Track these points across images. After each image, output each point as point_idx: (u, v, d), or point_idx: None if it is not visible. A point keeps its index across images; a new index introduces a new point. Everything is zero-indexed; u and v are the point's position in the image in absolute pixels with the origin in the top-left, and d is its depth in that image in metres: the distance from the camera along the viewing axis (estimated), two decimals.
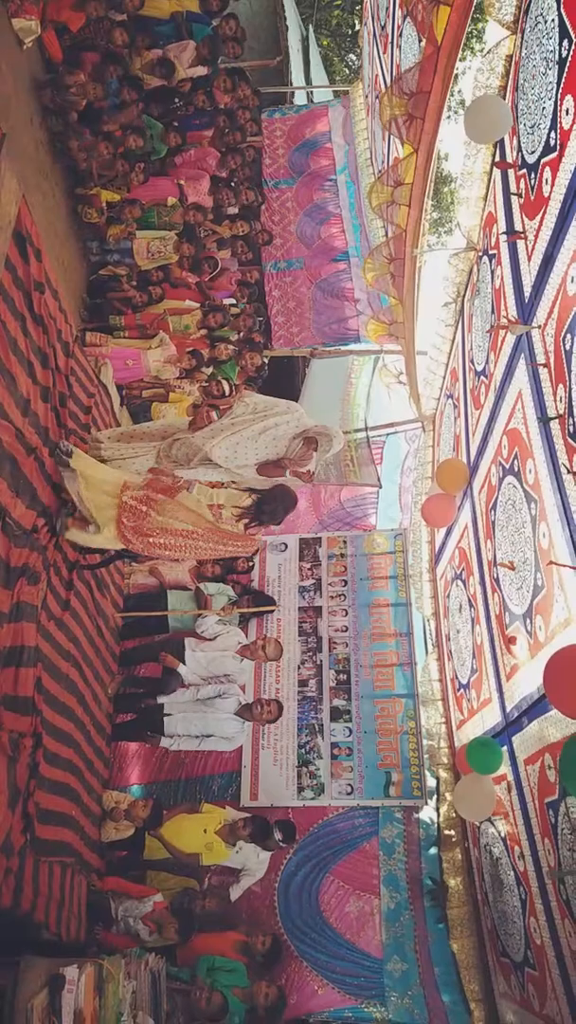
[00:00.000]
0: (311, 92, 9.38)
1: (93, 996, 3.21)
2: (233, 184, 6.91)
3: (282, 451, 4.41)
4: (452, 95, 4.73)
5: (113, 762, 5.12)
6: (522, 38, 3.37)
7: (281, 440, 4.40)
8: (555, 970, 3.33)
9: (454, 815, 4.94)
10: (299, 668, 6.07)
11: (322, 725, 5.81)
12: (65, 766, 4.10)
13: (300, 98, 9.11)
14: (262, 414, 4.39)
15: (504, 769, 3.88)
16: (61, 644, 4.18)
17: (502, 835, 4.08)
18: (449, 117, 4.72)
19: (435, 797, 5.34)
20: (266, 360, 6.81)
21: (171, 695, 5.15)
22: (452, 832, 5.00)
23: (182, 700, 5.18)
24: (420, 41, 4.44)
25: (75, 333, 5.29)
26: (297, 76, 9.35)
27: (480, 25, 8.71)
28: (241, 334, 6.77)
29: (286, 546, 6.65)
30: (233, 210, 6.90)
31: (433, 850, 5.14)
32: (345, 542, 6.71)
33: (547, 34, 2.98)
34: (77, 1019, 2.96)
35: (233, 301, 6.96)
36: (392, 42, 5.52)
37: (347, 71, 12.73)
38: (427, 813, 5.38)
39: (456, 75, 4.23)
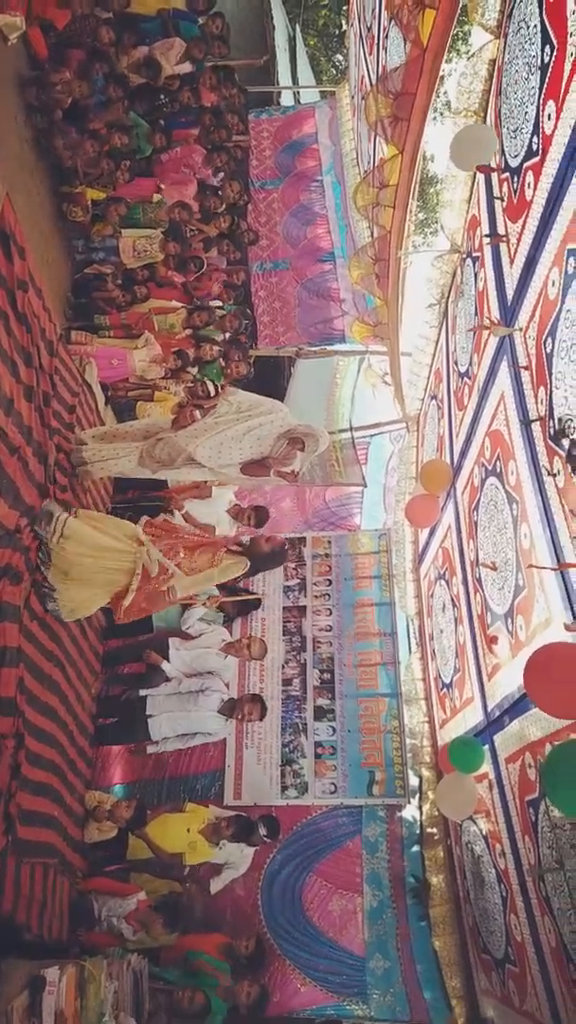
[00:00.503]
0: (298, 92, 9.39)
1: (74, 997, 3.20)
2: (219, 190, 6.89)
3: (266, 451, 4.41)
4: (438, 96, 4.75)
5: (96, 762, 5.10)
6: (505, 42, 3.40)
7: (265, 440, 4.40)
8: (535, 967, 3.36)
9: (436, 813, 4.97)
10: (283, 667, 6.08)
11: (306, 724, 5.83)
12: (47, 767, 4.08)
13: (287, 98, 9.12)
14: (246, 413, 4.41)
15: (486, 768, 3.91)
16: (43, 644, 4.17)
17: (484, 833, 4.12)
18: (435, 119, 4.73)
19: (418, 796, 5.37)
20: (251, 361, 6.81)
21: (154, 688, 5.15)
22: (434, 830, 5.03)
23: (164, 693, 5.17)
24: (405, 43, 4.46)
25: (59, 332, 5.27)
26: (284, 76, 9.36)
27: (466, 27, 8.74)
28: (227, 335, 6.77)
29: None
30: (220, 207, 6.88)
31: (416, 848, 5.17)
32: (330, 542, 6.73)
33: (529, 39, 3.00)
34: (58, 1020, 2.96)
35: (219, 303, 6.95)
36: (378, 44, 5.54)
37: (334, 71, 12.76)
38: (410, 812, 5.41)
39: (442, 76, 4.26)
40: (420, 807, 5.28)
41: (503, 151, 3.43)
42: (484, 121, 3.75)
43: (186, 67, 6.39)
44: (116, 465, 4.68)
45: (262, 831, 4.78)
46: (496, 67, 3.57)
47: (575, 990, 2.95)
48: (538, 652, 2.44)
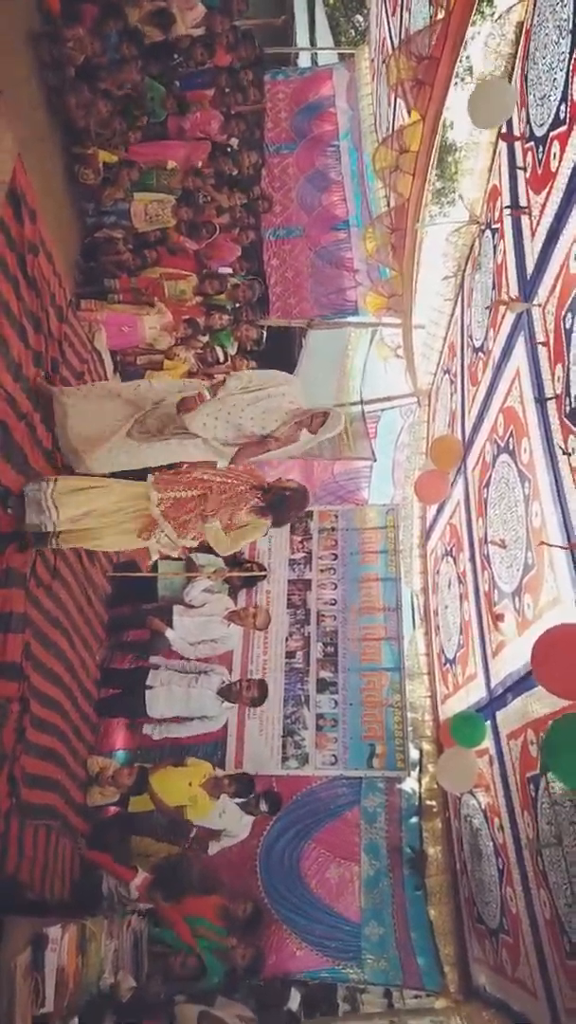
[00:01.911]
0: (316, 54, 9.15)
1: (75, 955, 3.27)
2: (231, 150, 6.74)
3: (270, 426, 4.12)
4: (461, 61, 4.61)
5: (99, 728, 5.15)
6: (534, 4, 3.28)
7: (271, 414, 4.12)
8: (528, 937, 3.41)
9: (436, 786, 5.02)
10: (287, 640, 6.10)
11: (308, 696, 5.87)
12: (52, 731, 4.13)
13: (304, 60, 8.89)
14: (256, 389, 4.18)
15: (487, 743, 3.94)
16: (49, 611, 4.19)
17: (482, 807, 4.16)
18: (456, 84, 4.59)
19: (418, 769, 5.43)
20: (264, 330, 6.71)
21: (159, 655, 5.17)
22: (433, 803, 5.09)
23: (167, 666, 5.21)
24: (430, 5, 4.32)
25: (69, 298, 5.20)
26: (302, 36, 9.12)
27: None
28: (239, 305, 6.68)
29: None
30: (230, 171, 6.73)
31: (414, 820, 5.23)
32: (337, 516, 6.71)
33: (561, 1, 2.90)
34: (59, 977, 3.03)
35: (230, 271, 6.85)
36: (401, 4, 5.37)
37: (353, 33, 12.42)
38: (409, 784, 5.47)
39: (466, 41, 4.12)
40: (420, 780, 5.34)
41: (528, 119, 3.34)
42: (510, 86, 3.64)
43: (200, 31, 6.22)
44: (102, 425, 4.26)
45: (263, 807, 4.84)
46: (524, 30, 3.46)
47: (567, 961, 2.99)
48: (547, 633, 2.43)
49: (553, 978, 3.16)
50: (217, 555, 5.92)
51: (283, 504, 4.03)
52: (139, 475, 4.22)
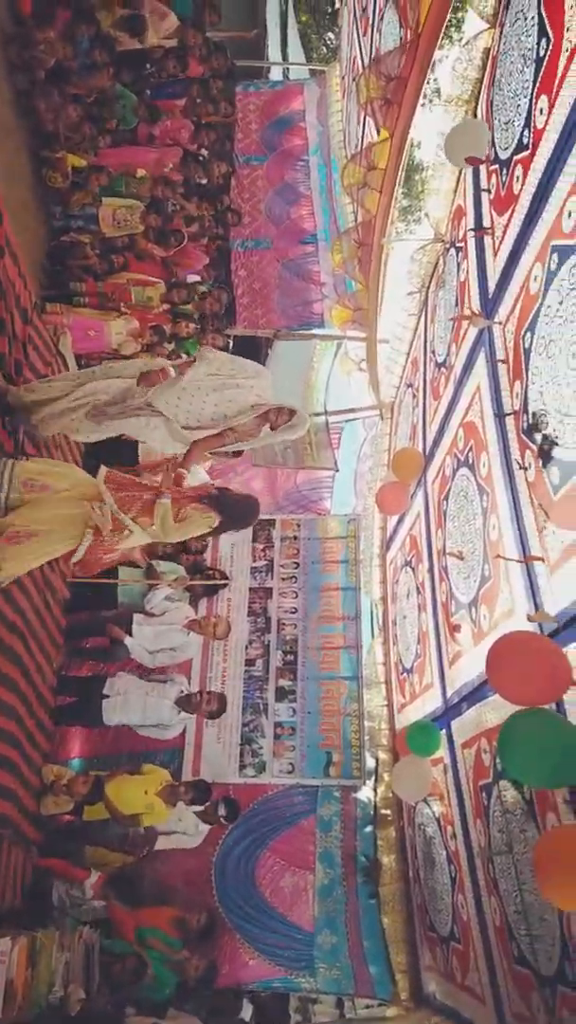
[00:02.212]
0: (287, 69, 9.25)
1: (25, 967, 3.22)
2: (202, 159, 6.77)
3: (231, 415, 3.93)
4: (428, 83, 4.72)
5: (55, 735, 5.07)
6: (501, 32, 3.39)
7: (235, 404, 3.93)
8: (479, 944, 3.47)
9: (391, 795, 5.07)
10: (247, 648, 6.11)
11: (267, 704, 5.88)
12: (5, 738, 4.06)
13: (276, 74, 8.98)
14: (226, 375, 3.96)
15: (441, 752, 4.00)
16: (6, 616, 4.12)
17: (436, 815, 4.21)
18: (424, 105, 4.71)
19: (373, 777, 5.47)
20: (230, 340, 6.74)
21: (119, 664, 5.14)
22: (388, 811, 5.13)
23: (126, 673, 5.17)
24: (401, 26, 4.42)
25: (34, 300, 5.15)
26: (274, 51, 9.22)
27: (460, 14, 8.70)
28: (206, 314, 6.69)
29: None
30: (200, 179, 6.76)
31: (369, 828, 5.27)
32: (299, 525, 6.75)
33: (526, 31, 3.00)
34: (8, 990, 2.97)
35: (198, 279, 6.86)
36: (373, 25, 5.48)
37: (324, 50, 12.57)
38: (365, 793, 5.51)
39: (434, 62, 4.23)
40: (375, 788, 5.38)
41: (493, 142, 3.44)
42: (475, 111, 3.75)
43: (172, 43, 6.24)
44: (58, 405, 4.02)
45: (221, 811, 4.82)
46: (490, 57, 3.57)
47: (515, 967, 3.05)
48: (501, 639, 2.49)
49: (501, 984, 3.21)
50: (179, 563, 5.91)
51: (231, 505, 3.91)
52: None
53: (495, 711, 3.27)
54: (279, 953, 4.89)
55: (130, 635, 5.20)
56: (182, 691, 5.10)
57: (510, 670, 2.35)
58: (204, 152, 6.82)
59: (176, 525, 3.80)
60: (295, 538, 6.67)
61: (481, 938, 3.45)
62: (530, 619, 2.81)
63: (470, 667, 3.65)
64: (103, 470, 3.72)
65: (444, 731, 3.99)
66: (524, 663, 2.33)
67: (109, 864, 4.66)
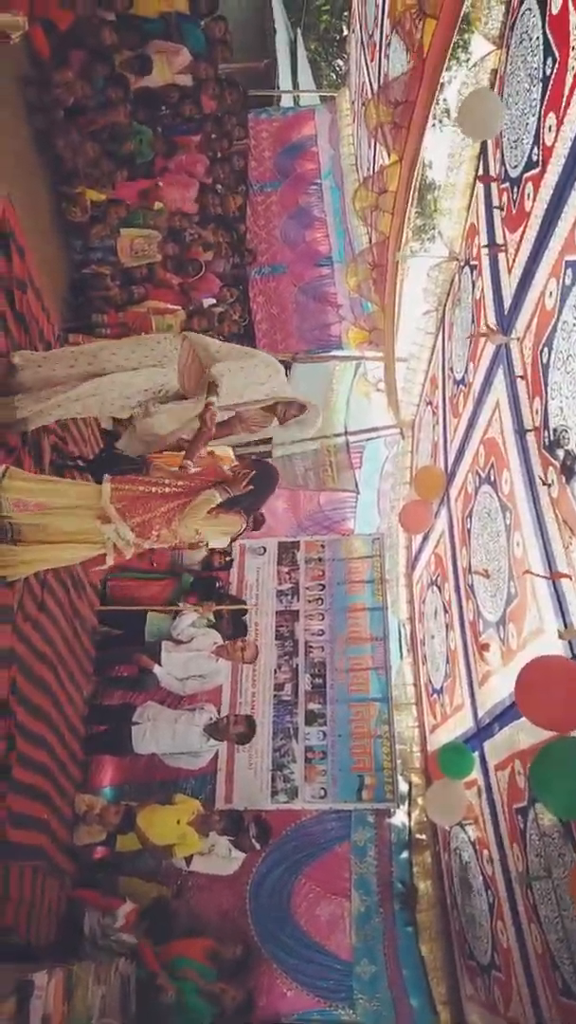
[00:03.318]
0: (298, 96, 9.40)
1: (62, 1002, 3.20)
2: (219, 190, 6.91)
3: (236, 401, 3.70)
4: (437, 104, 4.77)
5: (88, 764, 5.08)
6: (507, 53, 3.41)
7: (243, 390, 3.70)
8: (520, 973, 3.37)
9: (425, 819, 4.98)
10: (275, 672, 6.08)
11: (297, 729, 5.83)
12: (38, 769, 4.07)
13: (287, 102, 9.13)
14: (239, 367, 3.69)
15: (475, 774, 3.92)
16: (36, 646, 4.16)
17: (472, 840, 4.13)
18: (434, 125, 4.75)
19: (407, 801, 5.38)
20: None
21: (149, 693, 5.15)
22: (423, 836, 5.04)
23: (157, 702, 5.18)
24: (407, 53, 4.48)
25: (57, 333, 5.26)
26: (284, 79, 9.37)
27: (466, 36, 8.80)
28: (224, 338, 6.77)
29: (264, 550, 6.67)
30: (217, 211, 6.88)
31: (404, 854, 5.18)
32: (323, 546, 6.74)
33: (532, 51, 3.02)
34: None
35: (214, 301, 6.95)
36: (380, 51, 5.55)
37: (334, 76, 12.77)
38: (399, 817, 5.42)
39: (442, 84, 4.27)
40: (409, 813, 5.29)
41: (503, 161, 3.45)
42: None
43: (187, 79, 6.39)
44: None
45: (252, 831, 4.78)
46: (498, 77, 3.59)
47: (560, 998, 2.95)
48: (529, 665, 2.45)
49: (546, 1016, 3.12)
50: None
51: (250, 494, 3.60)
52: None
53: (527, 732, 3.21)
54: (317, 984, 4.80)
55: (159, 664, 5.23)
56: (211, 718, 5.09)
57: (539, 695, 2.31)
58: (219, 187, 6.96)
59: (210, 530, 3.59)
60: (320, 559, 6.66)
61: (523, 967, 3.35)
62: (561, 637, 2.76)
63: (500, 687, 3.59)
64: (107, 488, 3.42)
65: (477, 753, 3.93)
66: (552, 688, 2.29)
67: (144, 895, 4.64)
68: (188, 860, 4.74)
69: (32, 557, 3.38)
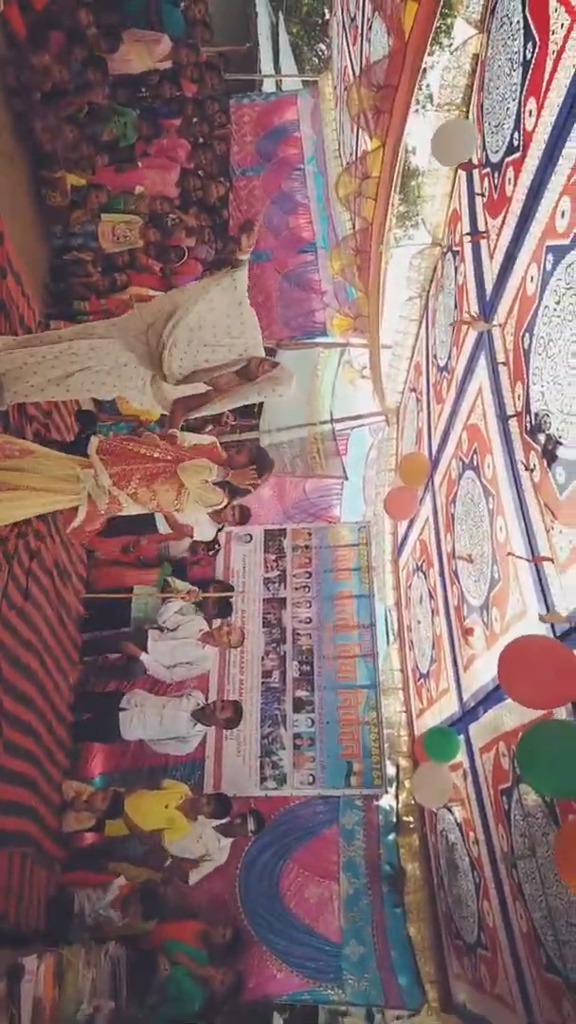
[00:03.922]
0: (280, 81, 9.32)
1: (52, 985, 3.22)
2: (201, 174, 6.84)
3: (199, 364, 3.62)
4: (420, 89, 4.74)
5: (74, 751, 5.09)
6: (488, 37, 3.41)
7: (207, 350, 3.60)
8: (506, 951, 3.43)
9: (412, 802, 5.03)
10: (263, 659, 6.11)
11: (285, 716, 5.87)
12: (24, 756, 4.08)
13: (269, 86, 9.05)
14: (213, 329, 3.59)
15: (461, 757, 3.97)
16: (22, 634, 4.15)
17: (458, 821, 4.18)
18: (417, 111, 4.74)
19: (394, 785, 5.44)
20: None
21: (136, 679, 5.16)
22: (410, 819, 5.10)
23: (144, 689, 5.20)
24: (388, 35, 4.45)
25: (38, 319, 5.22)
26: (266, 64, 9.29)
27: (449, 20, 8.74)
28: None
29: (251, 537, 6.67)
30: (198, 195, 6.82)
31: (391, 836, 5.24)
32: (310, 534, 6.76)
33: (512, 35, 3.01)
34: (36, 1008, 2.98)
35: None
36: (362, 35, 5.51)
37: (316, 60, 12.68)
38: (386, 800, 5.48)
39: (424, 69, 4.26)
40: (397, 796, 5.35)
41: (484, 146, 3.45)
42: (467, 116, 3.76)
43: (167, 65, 6.32)
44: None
45: (251, 827, 4.82)
46: (479, 62, 3.58)
47: (544, 973, 3.01)
48: (511, 644, 2.48)
49: (531, 992, 3.17)
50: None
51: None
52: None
53: (512, 714, 3.25)
54: (307, 965, 4.86)
55: (145, 651, 5.23)
56: (198, 704, 5.11)
57: (522, 674, 2.34)
58: (201, 172, 6.90)
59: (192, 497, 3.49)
60: (307, 547, 6.68)
61: (508, 945, 3.41)
62: (542, 620, 2.79)
63: (485, 671, 3.63)
64: (95, 440, 3.42)
65: (462, 736, 3.97)
66: (534, 666, 2.32)
67: (135, 879, 4.67)
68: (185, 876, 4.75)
69: (6, 502, 3.24)
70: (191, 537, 4.45)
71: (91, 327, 3.81)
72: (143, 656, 5.22)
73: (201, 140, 6.88)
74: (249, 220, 3.79)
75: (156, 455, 3.45)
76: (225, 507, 3.69)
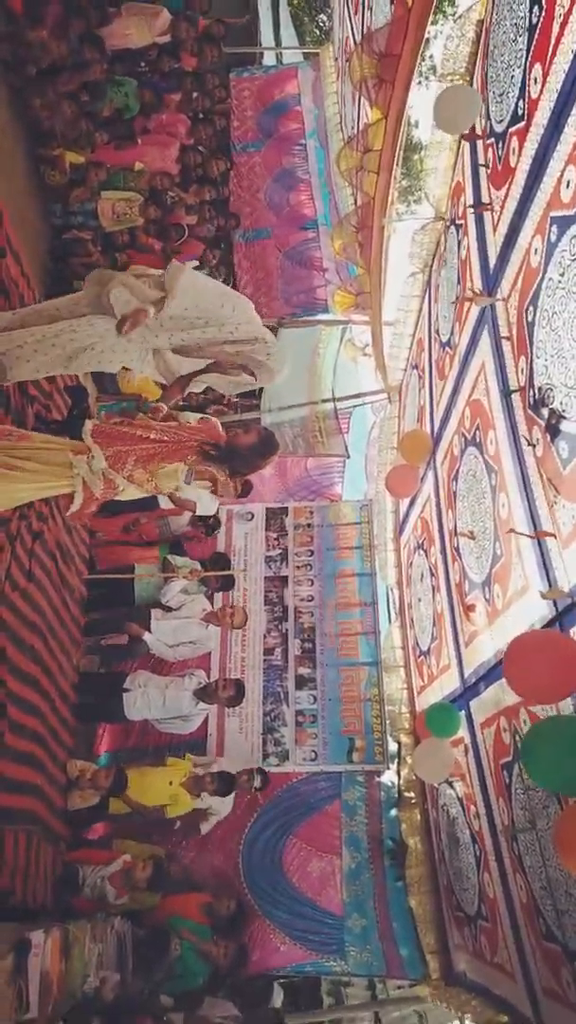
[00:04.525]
0: (280, 54, 9.15)
1: (59, 959, 3.27)
2: (202, 149, 6.75)
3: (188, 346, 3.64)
4: (423, 60, 4.66)
5: (79, 731, 5.12)
6: (493, 3, 3.33)
7: (196, 339, 3.64)
8: (506, 921, 3.47)
9: (414, 778, 5.07)
10: (265, 637, 6.13)
11: (287, 693, 5.90)
12: (30, 736, 4.11)
13: (269, 59, 8.88)
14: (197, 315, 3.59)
15: (462, 733, 3.99)
16: (25, 615, 4.17)
17: (459, 796, 4.22)
18: (420, 83, 4.66)
19: (396, 761, 5.48)
20: None
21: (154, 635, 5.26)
22: (412, 794, 5.14)
23: (147, 671, 5.23)
24: (391, 3, 4.36)
25: (37, 299, 5.17)
26: (267, 36, 9.10)
27: None
28: None
29: (252, 515, 6.67)
30: (199, 172, 6.75)
31: (393, 811, 5.29)
32: (312, 512, 6.75)
33: (518, 0, 2.95)
34: (44, 982, 3.02)
35: (197, 263, 6.83)
36: (363, 3, 5.40)
37: (317, 32, 12.45)
38: (388, 776, 5.53)
39: (427, 39, 4.17)
40: (398, 772, 5.39)
41: (488, 116, 3.39)
42: (471, 84, 3.69)
43: (166, 39, 6.22)
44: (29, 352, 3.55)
45: (256, 783, 4.90)
46: (483, 28, 3.51)
47: (544, 943, 3.05)
48: (517, 640, 2.49)
49: (530, 960, 3.22)
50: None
51: (237, 452, 3.45)
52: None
53: (512, 690, 3.26)
54: (309, 938, 4.93)
55: (149, 631, 5.25)
56: (200, 683, 5.15)
57: (528, 670, 2.35)
58: (202, 148, 6.81)
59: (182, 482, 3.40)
60: (308, 525, 6.67)
61: (508, 915, 3.45)
62: (544, 596, 2.79)
63: (486, 646, 3.64)
64: (89, 424, 3.36)
65: (463, 712, 3.99)
66: (541, 662, 2.33)
67: (139, 856, 4.72)
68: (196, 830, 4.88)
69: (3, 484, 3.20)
70: (193, 512, 4.42)
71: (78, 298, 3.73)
72: (146, 636, 5.24)
73: (201, 115, 6.78)
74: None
75: (152, 436, 3.39)
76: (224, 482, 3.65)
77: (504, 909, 3.48)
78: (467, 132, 3.68)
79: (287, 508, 6.73)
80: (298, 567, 6.48)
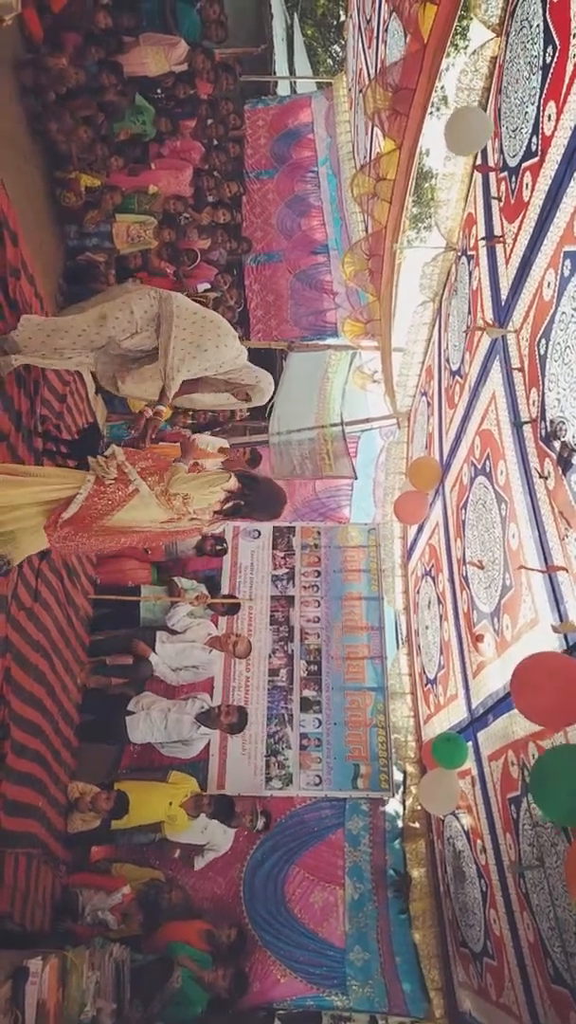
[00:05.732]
0: (294, 83, 9.30)
1: (57, 987, 3.21)
2: (216, 175, 6.85)
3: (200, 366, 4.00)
4: (436, 91, 4.71)
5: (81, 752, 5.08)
6: (507, 41, 3.38)
7: (190, 360, 3.96)
8: (513, 960, 3.40)
9: (419, 808, 5.01)
10: (270, 657, 6.09)
11: (292, 715, 5.85)
12: (32, 757, 4.08)
13: (283, 88, 9.04)
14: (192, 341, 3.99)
15: (469, 764, 3.95)
16: (30, 634, 4.16)
17: (465, 829, 4.16)
18: (432, 114, 4.69)
19: (401, 790, 5.41)
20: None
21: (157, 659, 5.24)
22: (417, 825, 5.07)
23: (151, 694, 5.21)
24: (406, 37, 4.42)
25: None
26: (281, 65, 9.27)
27: (465, 23, 8.71)
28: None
29: (259, 533, 6.66)
30: (212, 197, 6.84)
31: (398, 842, 5.22)
32: (319, 533, 6.74)
33: (532, 39, 2.99)
34: (40, 1011, 2.97)
35: (208, 286, 6.90)
36: (377, 36, 5.49)
37: (331, 62, 12.66)
38: (393, 806, 5.46)
39: (440, 72, 4.23)
40: (403, 801, 5.32)
41: (501, 150, 3.43)
42: None
43: (183, 68, 6.34)
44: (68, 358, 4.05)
45: (260, 825, 4.82)
46: (497, 65, 3.56)
47: (552, 985, 2.99)
48: (524, 662, 2.46)
49: (538, 1003, 3.15)
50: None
51: (257, 482, 3.65)
52: None
53: (521, 722, 3.22)
54: (310, 970, 4.84)
55: (154, 652, 5.23)
56: (203, 707, 5.11)
57: (535, 693, 2.32)
58: (216, 173, 6.91)
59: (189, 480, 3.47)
60: (316, 546, 6.66)
61: (515, 955, 3.39)
62: (555, 630, 2.77)
63: (495, 678, 3.60)
64: (119, 450, 3.47)
65: (471, 742, 3.95)
66: (548, 685, 2.30)
67: (138, 880, 4.67)
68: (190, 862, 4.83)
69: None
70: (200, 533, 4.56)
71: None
72: (151, 656, 5.22)
73: (215, 142, 6.88)
74: None
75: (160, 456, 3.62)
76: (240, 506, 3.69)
77: (511, 948, 3.41)
78: (481, 164, 3.72)
79: (294, 528, 6.73)
80: (305, 587, 6.46)
